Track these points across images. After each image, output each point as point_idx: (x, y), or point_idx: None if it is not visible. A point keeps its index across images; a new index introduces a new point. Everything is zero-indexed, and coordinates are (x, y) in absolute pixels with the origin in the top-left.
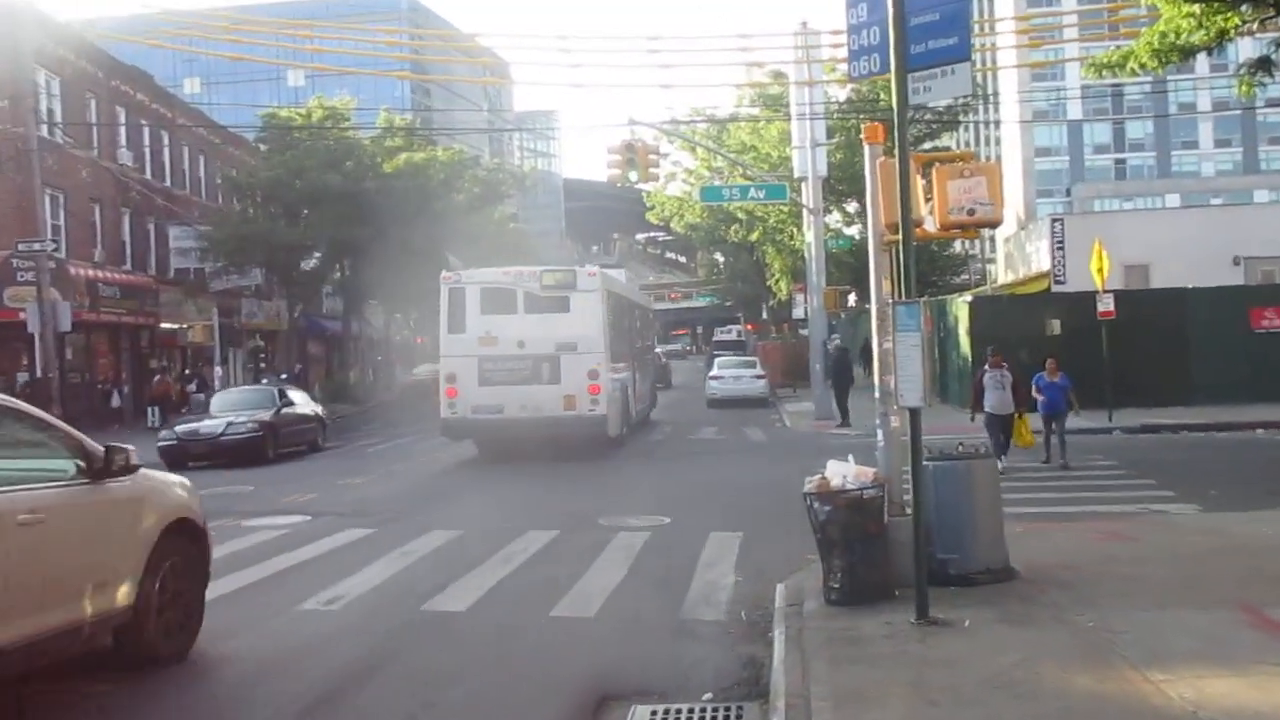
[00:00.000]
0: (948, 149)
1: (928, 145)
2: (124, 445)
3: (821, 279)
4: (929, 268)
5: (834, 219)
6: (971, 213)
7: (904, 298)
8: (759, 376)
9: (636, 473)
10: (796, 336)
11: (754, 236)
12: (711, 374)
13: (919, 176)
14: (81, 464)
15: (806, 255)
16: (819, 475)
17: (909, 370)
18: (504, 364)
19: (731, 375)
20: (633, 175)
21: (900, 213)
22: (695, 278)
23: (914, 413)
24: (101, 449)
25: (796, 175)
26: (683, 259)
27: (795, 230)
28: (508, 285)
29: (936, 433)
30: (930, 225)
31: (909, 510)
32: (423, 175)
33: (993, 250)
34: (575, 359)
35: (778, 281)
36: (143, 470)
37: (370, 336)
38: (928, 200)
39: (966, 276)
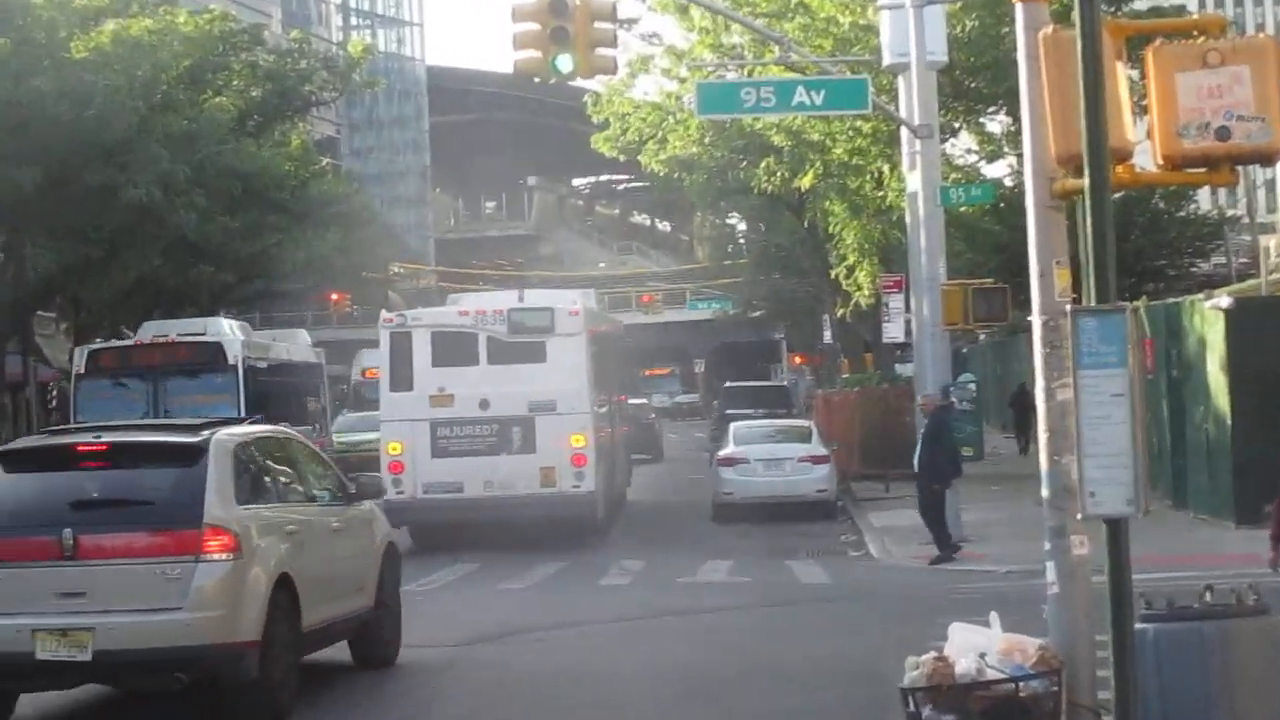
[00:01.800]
0: (1181, 11)
1: (1140, 4)
2: (373, 474)
3: (939, 264)
4: (1149, 243)
5: (961, 148)
6: (1224, 134)
7: (1095, 300)
8: (817, 458)
9: (581, 653)
10: (891, 379)
11: (805, 182)
12: (726, 454)
13: (1122, 65)
14: (336, 491)
15: (909, 219)
16: (932, 654)
17: (1106, 444)
18: (464, 429)
19: (763, 457)
20: (563, 63)
21: (1087, 137)
22: (689, 262)
23: (1116, 528)
24: (350, 480)
25: (886, 62)
26: (664, 225)
27: (886, 171)
28: (467, 328)
29: (1165, 566)
30: (1147, 160)
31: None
32: (148, 62)
33: (1271, 210)
34: (554, 421)
35: (851, 271)
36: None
37: (44, 382)
38: (1140, 111)
39: (1222, 259)
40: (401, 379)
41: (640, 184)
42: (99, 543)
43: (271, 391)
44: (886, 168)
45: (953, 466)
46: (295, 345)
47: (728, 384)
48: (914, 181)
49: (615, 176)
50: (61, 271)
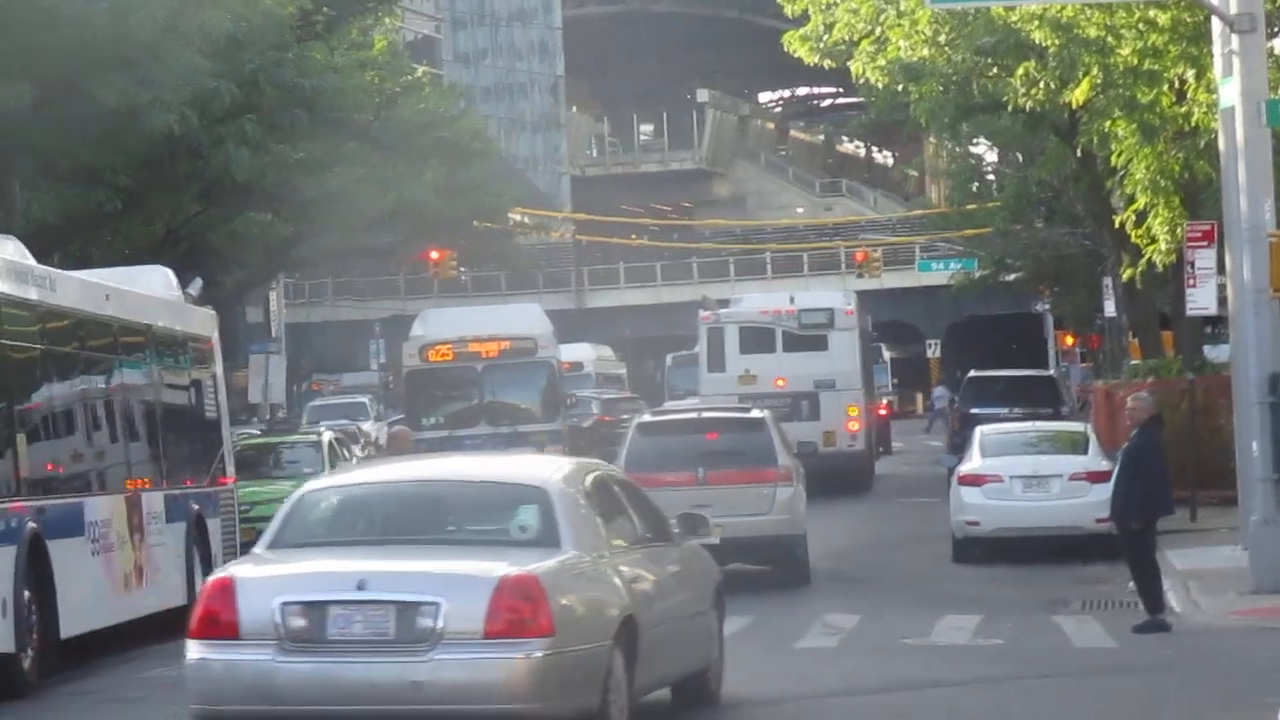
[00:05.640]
0: None
1: None
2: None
3: (1265, 208)
4: None
5: None
6: None
7: None
8: (1096, 475)
9: None
10: (1199, 367)
11: (1078, 95)
12: (970, 469)
13: None
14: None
15: (1222, 144)
16: None
17: None
18: (765, 402)
19: (1022, 473)
20: None
21: None
22: (918, 207)
23: None
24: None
25: None
26: (884, 157)
27: (1191, 79)
28: (766, 324)
29: None
30: None
31: None
32: None
33: None
34: (834, 396)
35: (1142, 217)
36: None
37: None
38: None
39: None
40: (716, 363)
41: (851, 100)
42: (718, 475)
43: (40, 392)
44: (1191, 74)
45: (1160, 499)
46: (135, 295)
47: (972, 373)
48: (1230, 93)
49: (817, 90)
50: (63, 222)
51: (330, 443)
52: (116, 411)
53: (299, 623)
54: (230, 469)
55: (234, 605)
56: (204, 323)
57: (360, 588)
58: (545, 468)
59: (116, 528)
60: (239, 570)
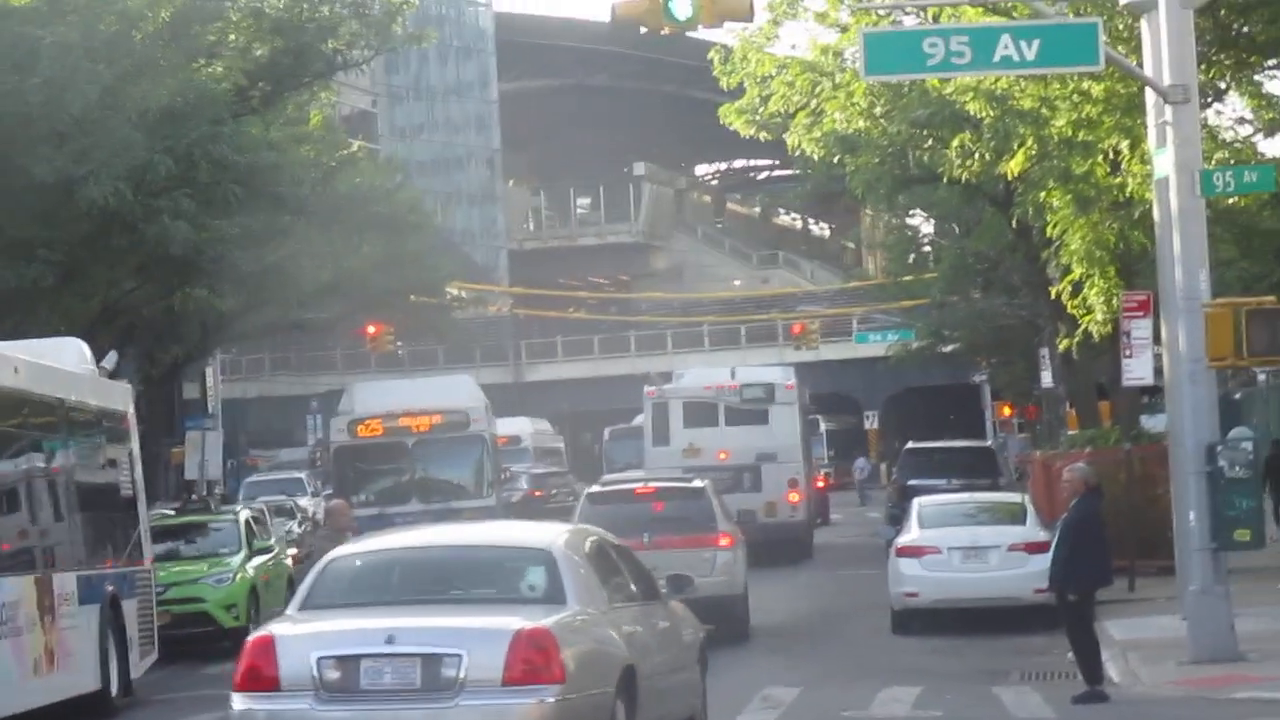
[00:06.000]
0: None
1: None
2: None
3: (1199, 278)
4: None
5: (1229, 116)
6: None
7: None
8: (1034, 546)
9: None
10: (1136, 436)
11: (1013, 166)
12: (908, 541)
13: None
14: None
15: (1157, 215)
16: None
17: None
18: (708, 474)
19: (960, 545)
20: (680, 8)
21: None
22: (855, 278)
23: None
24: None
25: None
26: (821, 228)
27: (1125, 150)
28: (709, 399)
29: None
30: None
31: None
32: (113, 12)
33: None
34: (775, 468)
35: (1079, 288)
36: None
37: None
38: None
39: None
40: (661, 437)
41: (787, 172)
42: (663, 540)
43: None
44: (1125, 145)
45: (1098, 570)
46: (45, 369)
47: (910, 445)
48: (1164, 164)
49: (753, 162)
50: None
51: (248, 521)
52: (25, 489)
53: (334, 675)
54: (148, 549)
55: (274, 660)
56: (119, 397)
57: (389, 642)
58: (549, 533)
59: (25, 610)
60: (278, 629)
